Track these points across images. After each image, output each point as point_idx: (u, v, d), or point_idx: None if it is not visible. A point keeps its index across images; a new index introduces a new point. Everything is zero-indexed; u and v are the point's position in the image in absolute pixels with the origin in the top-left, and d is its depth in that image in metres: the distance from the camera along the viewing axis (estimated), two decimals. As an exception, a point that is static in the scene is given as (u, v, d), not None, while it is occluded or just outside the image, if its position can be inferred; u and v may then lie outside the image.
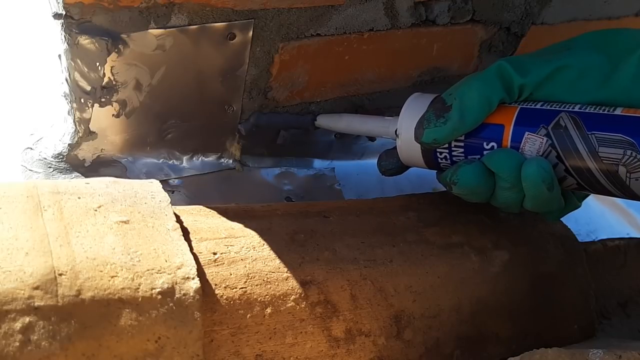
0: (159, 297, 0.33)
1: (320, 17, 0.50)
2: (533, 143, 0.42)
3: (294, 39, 0.51)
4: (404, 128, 0.47)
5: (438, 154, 0.46)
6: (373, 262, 0.42)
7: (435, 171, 0.48)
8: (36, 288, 0.31)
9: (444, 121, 0.43)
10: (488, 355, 0.45)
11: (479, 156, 0.44)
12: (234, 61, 0.50)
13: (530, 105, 0.43)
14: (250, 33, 0.48)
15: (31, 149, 0.50)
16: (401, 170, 0.50)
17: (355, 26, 0.52)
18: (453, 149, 0.45)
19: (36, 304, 0.30)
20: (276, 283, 0.38)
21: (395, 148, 0.49)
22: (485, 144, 0.43)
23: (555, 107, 0.42)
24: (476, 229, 0.48)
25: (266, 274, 0.39)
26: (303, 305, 0.39)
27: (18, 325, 0.30)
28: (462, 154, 0.45)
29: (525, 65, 0.43)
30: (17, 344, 0.29)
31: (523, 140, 0.42)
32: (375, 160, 0.51)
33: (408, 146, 0.47)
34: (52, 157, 0.50)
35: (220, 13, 0.46)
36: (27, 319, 0.30)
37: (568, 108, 0.41)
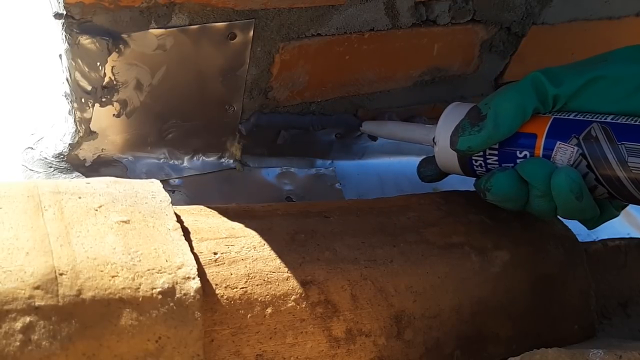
0: (160, 297, 0.33)
1: (321, 17, 0.50)
2: (564, 152, 0.42)
3: (295, 39, 0.51)
4: (441, 136, 0.48)
5: (474, 161, 0.47)
6: (373, 262, 0.42)
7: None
8: (37, 288, 0.31)
9: (479, 129, 0.44)
10: (488, 355, 0.45)
11: (512, 164, 0.45)
12: (234, 61, 0.50)
13: (564, 116, 0.44)
14: (251, 33, 0.48)
15: (32, 148, 0.50)
16: (440, 177, 0.52)
17: (355, 26, 0.52)
18: (488, 156, 0.46)
19: (37, 303, 0.30)
20: (277, 283, 0.38)
21: (434, 156, 0.50)
22: (518, 152, 0.44)
23: (587, 117, 0.43)
24: (477, 229, 0.48)
25: (267, 274, 0.39)
26: (303, 305, 0.39)
27: (19, 325, 0.30)
28: (497, 162, 0.46)
29: (560, 76, 0.44)
30: (18, 343, 0.29)
31: (555, 150, 0.43)
32: (375, 160, 0.52)
33: (445, 153, 0.48)
34: (52, 156, 0.50)
35: (221, 13, 0.46)
36: (27, 319, 0.30)
37: (600, 118, 0.42)
